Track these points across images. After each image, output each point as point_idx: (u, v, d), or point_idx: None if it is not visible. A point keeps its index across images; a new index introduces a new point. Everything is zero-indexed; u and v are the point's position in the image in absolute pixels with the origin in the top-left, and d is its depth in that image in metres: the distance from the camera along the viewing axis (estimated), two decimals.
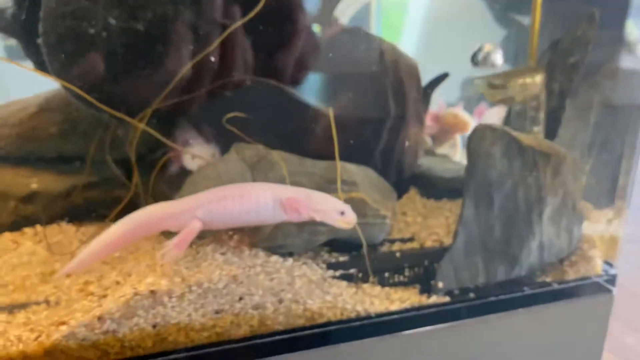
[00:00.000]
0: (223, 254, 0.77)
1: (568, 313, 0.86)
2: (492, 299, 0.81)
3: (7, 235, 0.86)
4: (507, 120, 0.96)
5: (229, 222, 0.72)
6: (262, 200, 0.70)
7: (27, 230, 0.87)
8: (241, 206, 0.70)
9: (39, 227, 0.88)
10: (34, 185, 0.89)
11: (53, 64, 0.80)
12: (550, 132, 0.91)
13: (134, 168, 0.86)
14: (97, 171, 0.91)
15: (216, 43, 0.79)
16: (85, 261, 0.70)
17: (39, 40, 0.79)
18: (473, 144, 0.78)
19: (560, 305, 0.84)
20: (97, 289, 0.71)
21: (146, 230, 0.73)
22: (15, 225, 0.88)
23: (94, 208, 0.90)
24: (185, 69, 0.79)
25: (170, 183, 0.89)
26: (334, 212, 0.71)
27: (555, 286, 0.85)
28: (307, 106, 0.93)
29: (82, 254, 0.70)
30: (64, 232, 0.87)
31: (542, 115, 0.88)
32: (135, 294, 0.67)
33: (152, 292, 0.68)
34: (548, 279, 0.87)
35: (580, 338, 0.88)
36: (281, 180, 0.80)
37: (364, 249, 0.80)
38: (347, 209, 0.71)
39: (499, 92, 0.83)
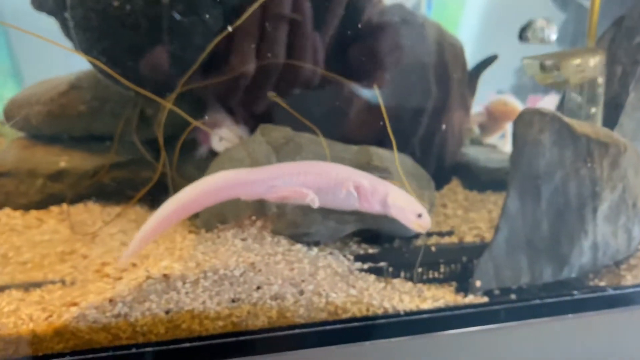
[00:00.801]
0: (243, 239, 0.73)
1: (624, 322, 0.78)
2: (536, 302, 0.74)
3: (33, 213, 0.86)
4: (560, 107, 0.87)
5: None
6: (339, 182, 0.66)
7: (54, 208, 0.87)
8: (319, 184, 0.66)
9: (65, 206, 0.87)
10: (63, 164, 0.88)
11: (80, 39, 0.78)
12: (611, 120, 0.83)
13: (162, 149, 0.84)
14: (124, 151, 0.89)
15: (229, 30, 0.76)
16: (156, 227, 0.66)
17: (67, 14, 0.78)
18: (520, 130, 0.72)
19: (615, 313, 0.77)
20: (113, 270, 0.69)
21: (217, 196, 0.69)
22: (43, 203, 0.87)
23: (120, 188, 0.88)
24: (211, 46, 0.76)
25: (198, 165, 0.86)
26: (411, 212, 0.66)
27: (610, 292, 0.78)
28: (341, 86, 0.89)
29: (153, 218, 0.65)
30: (89, 211, 0.86)
31: (600, 101, 0.79)
32: (148, 277, 0.65)
33: (165, 276, 0.65)
34: (602, 283, 0.80)
35: (637, 352, 0.80)
36: None
37: (421, 244, 0.75)
38: (425, 212, 0.67)
39: (550, 75, 0.75)
